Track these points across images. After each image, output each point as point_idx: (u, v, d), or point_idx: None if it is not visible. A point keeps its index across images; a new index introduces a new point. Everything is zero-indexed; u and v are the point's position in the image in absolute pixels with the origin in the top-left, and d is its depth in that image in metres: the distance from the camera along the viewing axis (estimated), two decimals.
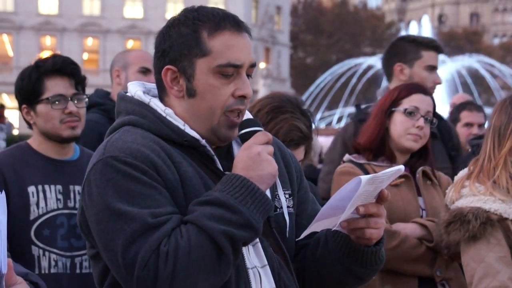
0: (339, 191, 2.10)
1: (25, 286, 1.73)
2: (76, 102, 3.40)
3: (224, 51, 2.15)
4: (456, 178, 3.26)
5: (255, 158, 2.08)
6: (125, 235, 2.00)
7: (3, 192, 1.63)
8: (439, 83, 4.52)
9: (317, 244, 2.32)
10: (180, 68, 2.18)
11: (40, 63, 3.41)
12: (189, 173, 2.13)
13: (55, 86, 3.37)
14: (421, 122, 3.60)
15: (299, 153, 3.32)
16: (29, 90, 3.38)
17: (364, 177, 2.03)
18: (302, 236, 2.20)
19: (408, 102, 3.62)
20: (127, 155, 2.07)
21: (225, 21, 2.17)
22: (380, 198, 2.16)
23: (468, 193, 3.08)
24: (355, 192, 2.05)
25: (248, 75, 2.21)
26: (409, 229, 3.49)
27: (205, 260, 1.99)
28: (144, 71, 4.54)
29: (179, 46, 2.17)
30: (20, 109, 3.45)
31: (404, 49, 4.58)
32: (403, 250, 3.46)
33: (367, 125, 3.74)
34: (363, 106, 4.78)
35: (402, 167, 2.15)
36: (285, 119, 3.28)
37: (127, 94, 2.28)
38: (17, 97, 3.45)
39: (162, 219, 2.02)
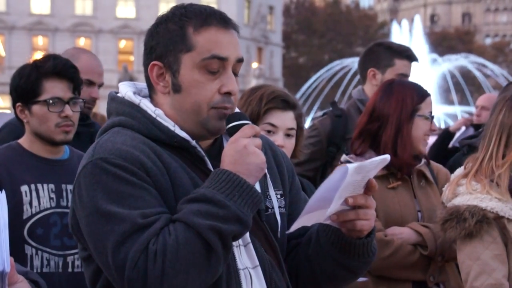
0: (325, 181, 2.06)
1: (26, 285, 1.74)
2: (72, 106, 3.40)
3: (208, 45, 2.14)
4: (452, 176, 3.25)
5: (242, 152, 2.06)
6: (115, 237, 2.00)
7: (3, 191, 1.63)
8: None
9: (309, 242, 2.32)
10: (166, 63, 2.18)
11: (39, 63, 3.39)
12: (179, 173, 2.12)
13: (54, 88, 3.36)
14: (434, 125, 3.63)
15: (289, 120, 3.33)
16: (26, 89, 3.36)
17: (351, 166, 2.00)
18: (292, 229, 2.17)
19: (426, 107, 3.61)
20: (116, 156, 2.07)
21: (211, 17, 2.17)
22: (368, 189, 2.14)
23: (464, 191, 3.07)
24: (342, 182, 2.02)
25: (236, 74, 2.19)
26: (405, 234, 3.49)
27: (194, 256, 1.98)
28: (88, 83, 4.36)
29: (165, 42, 2.17)
30: (14, 106, 3.44)
31: (378, 55, 4.72)
32: (397, 259, 3.46)
33: (388, 137, 3.56)
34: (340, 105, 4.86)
35: (388, 156, 2.13)
36: (265, 87, 3.37)
37: (118, 94, 2.27)
38: (11, 94, 3.44)
39: (152, 219, 2.01)
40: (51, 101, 3.35)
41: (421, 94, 3.63)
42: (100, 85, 4.45)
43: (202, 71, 2.15)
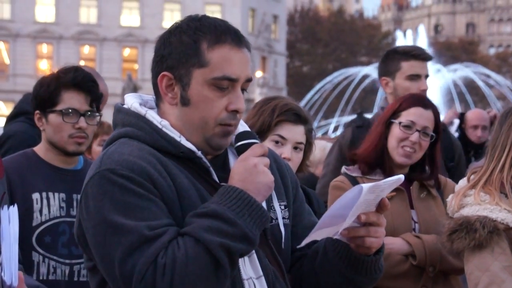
0: (339, 199, 2.09)
1: None
2: (87, 118, 3.44)
3: (221, 64, 2.16)
4: (456, 187, 3.22)
5: (252, 170, 2.09)
6: (122, 248, 2.01)
7: (16, 205, 1.65)
8: (425, 89, 4.50)
9: (315, 254, 2.32)
10: (176, 75, 2.18)
11: (61, 74, 3.46)
12: (185, 184, 2.13)
13: (71, 99, 3.41)
14: (414, 137, 3.55)
15: (299, 134, 3.34)
16: (44, 98, 3.43)
17: (365, 186, 2.03)
18: (303, 243, 2.20)
19: (406, 116, 3.58)
20: (123, 167, 2.08)
21: (226, 34, 2.18)
22: (380, 207, 2.17)
23: (472, 202, 3.04)
24: (356, 200, 2.05)
25: (243, 89, 2.21)
26: (396, 244, 3.47)
27: (203, 272, 1.99)
28: None
29: (178, 54, 2.18)
30: (33, 113, 3.51)
31: (386, 63, 4.65)
32: (385, 269, 3.43)
33: (367, 136, 3.72)
34: (365, 115, 4.82)
35: (402, 176, 2.15)
36: (279, 99, 3.37)
37: (124, 106, 2.28)
38: (32, 101, 3.52)
39: (159, 231, 2.02)
40: (66, 111, 3.40)
41: (408, 102, 3.62)
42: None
43: (211, 87, 2.17)
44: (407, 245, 3.48)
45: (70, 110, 3.41)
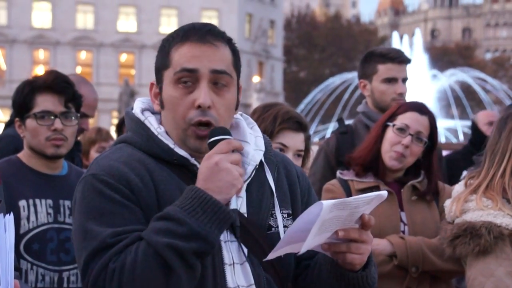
0: (303, 214, 2.02)
1: None
2: (64, 120, 3.40)
3: (180, 59, 2.18)
4: (454, 192, 3.21)
5: (213, 168, 2.04)
6: (86, 253, 2.06)
7: (11, 213, 1.65)
8: (402, 93, 4.44)
9: (314, 266, 2.31)
10: (158, 82, 2.25)
11: (34, 78, 3.46)
12: (170, 191, 2.13)
13: (44, 102, 3.39)
14: (406, 140, 3.55)
15: (300, 141, 3.35)
16: (20, 103, 3.41)
17: (326, 203, 1.95)
18: (269, 257, 2.13)
19: (401, 119, 3.59)
20: (105, 173, 2.12)
21: (190, 32, 2.20)
22: (363, 224, 2.12)
23: (474, 208, 3.02)
24: (317, 217, 1.97)
25: (222, 84, 2.18)
26: (381, 245, 3.47)
27: (152, 275, 1.98)
28: (81, 115, 4.36)
29: (157, 62, 2.25)
30: (14, 121, 3.50)
31: (364, 65, 4.59)
32: None
33: (365, 138, 3.74)
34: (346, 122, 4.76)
35: (385, 192, 2.10)
36: (279, 106, 3.40)
37: (131, 111, 2.32)
38: (13, 110, 3.52)
39: (121, 238, 2.04)
40: (39, 114, 3.38)
41: (405, 107, 3.63)
42: (92, 117, 4.50)
43: (176, 86, 2.17)
44: (391, 245, 3.48)
45: (44, 113, 3.38)
